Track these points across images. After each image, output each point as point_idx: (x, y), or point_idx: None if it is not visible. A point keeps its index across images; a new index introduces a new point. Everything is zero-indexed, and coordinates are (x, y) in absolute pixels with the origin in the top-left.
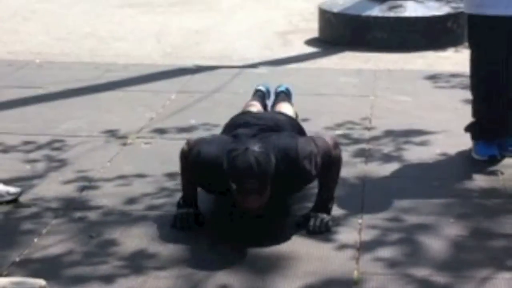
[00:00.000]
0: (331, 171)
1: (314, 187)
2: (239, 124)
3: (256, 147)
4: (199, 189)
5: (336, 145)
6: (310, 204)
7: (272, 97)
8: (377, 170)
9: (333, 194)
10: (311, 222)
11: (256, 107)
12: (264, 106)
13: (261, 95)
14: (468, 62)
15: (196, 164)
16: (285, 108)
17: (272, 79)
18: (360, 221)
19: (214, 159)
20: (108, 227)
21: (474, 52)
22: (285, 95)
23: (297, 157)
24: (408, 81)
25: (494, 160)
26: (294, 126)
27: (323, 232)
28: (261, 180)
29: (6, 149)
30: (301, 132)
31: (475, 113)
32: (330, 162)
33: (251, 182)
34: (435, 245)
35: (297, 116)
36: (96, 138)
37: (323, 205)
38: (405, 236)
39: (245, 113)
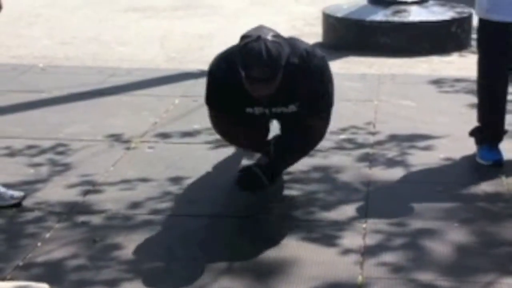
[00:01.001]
0: (309, 136)
1: (318, 191)
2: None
3: (269, 36)
4: (201, 190)
5: (329, 119)
6: (313, 208)
7: None
8: (381, 175)
9: (290, 165)
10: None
11: None
12: None
13: None
14: (472, 66)
15: (212, 71)
16: None
17: None
18: (364, 225)
19: (227, 53)
20: (111, 231)
21: (481, 56)
22: None
23: (313, 57)
24: (412, 85)
25: (499, 165)
26: None
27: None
28: (270, 67)
29: (10, 153)
30: None
31: (480, 117)
32: (318, 123)
33: (259, 70)
34: (439, 249)
35: None
36: (99, 142)
37: (276, 171)
38: (409, 241)
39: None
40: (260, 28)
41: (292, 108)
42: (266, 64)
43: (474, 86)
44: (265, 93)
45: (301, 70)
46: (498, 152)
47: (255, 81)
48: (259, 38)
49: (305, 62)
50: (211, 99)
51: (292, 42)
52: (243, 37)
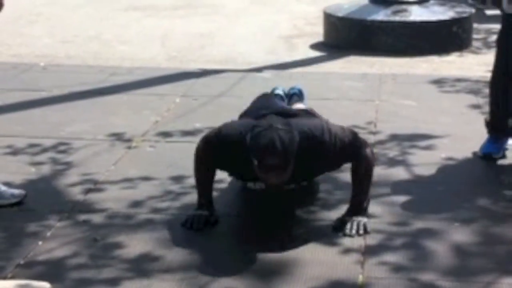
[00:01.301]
0: (361, 168)
1: (319, 190)
2: (259, 107)
3: (279, 125)
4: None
5: (366, 144)
6: (317, 209)
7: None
8: (382, 174)
9: (367, 194)
10: (348, 226)
11: None
12: None
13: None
14: (473, 66)
15: (218, 141)
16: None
17: (277, 83)
18: None
19: (236, 135)
20: (112, 230)
21: (496, 50)
22: (298, 97)
23: (322, 135)
24: (413, 85)
25: (489, 158)
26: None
27: (361, 235)
28: (283, 157)
29: (11, 152)
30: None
31: (490, 108)
32: (360, 158)
33: (272, 159)
34: (440, 249)
35: None
36: (101, 141)
37: (358, 207)
38: (410, 241)
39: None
40: (267, 103)
41: (304, 183)
42: (279, 153)
43: (475, 86)
44: (277, 181)
45: (313, 153)
46: (496, 147)
47: (269, 169)
48: (270, 126)
49: (315, 143)
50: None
51: (300, 123)
52: (252, 112)
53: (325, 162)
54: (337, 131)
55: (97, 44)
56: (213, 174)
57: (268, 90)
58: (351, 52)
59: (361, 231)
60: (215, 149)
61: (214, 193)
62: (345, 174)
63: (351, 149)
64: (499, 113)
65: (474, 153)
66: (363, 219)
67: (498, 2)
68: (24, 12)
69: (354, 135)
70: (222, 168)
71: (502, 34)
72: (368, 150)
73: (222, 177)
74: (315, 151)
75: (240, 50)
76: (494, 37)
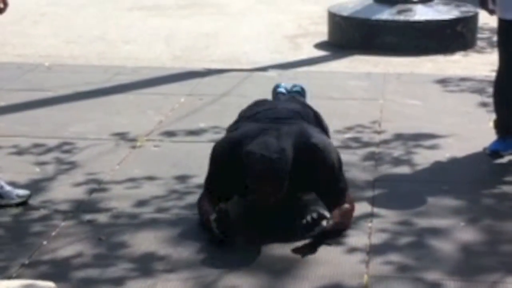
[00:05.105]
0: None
1: None
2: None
3: (274, 152)
4: None
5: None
6: (319, 207)
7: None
8: (387, 174)
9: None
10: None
11: None
12: None
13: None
14: (477, 66)
15: (220, 147)
16: None
17: (282, 83)
18: (370, 224)
19: (236, 144)
20: (117, 230)
21: (498, 52)
22: (300, 95)
23: (318, 145)
24: (418, 84)
25: (496, 156)
26: (309, 114)
27: (314, 230)
28: (276, 184)
29: (16, 152)
30: (317, 119)
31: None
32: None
33: (266, 186)
34: (445, 248)
35: None
36: (105, 141)
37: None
38: (415, 240)
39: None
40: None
41: (298, 195)
42: (271, 183)
43: (480, 85)
44: (271, 202)
45: (307, 166)
46: (504, 145)
47: (262, 193)
48: (263, 156)
49: (310, 158)
50: (212, 183)
51: (293, 136)
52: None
53: (321, 172)
54: (335, 163)
55: (101, 44)
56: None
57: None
58: (356, 52)
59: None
60: (218, 154)
61: None
62: (350, 173)
63: (337, 189)
64: (504, 113)
65: (484, 149)
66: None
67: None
68: (28, 12)
69: (344, 186)
70: (229, 184)
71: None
72: (350, 210)
73: None
74: (311, 162)
75: (244, 50)
76: None
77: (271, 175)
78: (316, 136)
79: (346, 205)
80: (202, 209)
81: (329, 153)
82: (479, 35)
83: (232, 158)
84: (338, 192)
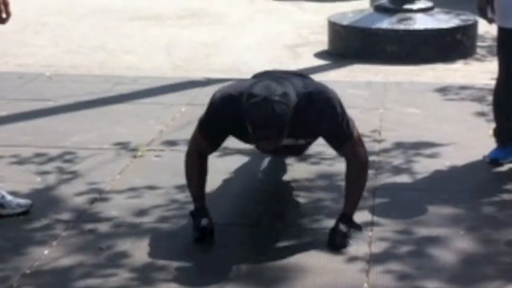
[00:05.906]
0: (354, 172)
1: (324, 199)
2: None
3: (276, 94)
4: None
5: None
6: (321, 217)
7: None
8: (387, 183)
9: (358, 200)
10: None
11: None
12: None
13: None
14: (477, 74)
15: (216, 101)
16: None
17: None
18: (370, 233)
19: (234, 94)
20: (118, 239)
21: (498, 61)
22: None
23: (320, 97)
24: (418, 93)
25: (495, 164)
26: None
27: (339, 249)
28: (277, 130)
29: (17, 161)
30: None
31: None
32: (356, 159)
33: (266, 131)
34: (445, 257)
35: None
36: (106, 150)
37: (347, 213)
38: (415, 249)
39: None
40: (268, 76)
41: (301, 141)
42: (272, 126)
43: (480, 94)
44: (270, 148)
45: (310, 113)
46: (503, 153)
47: (262, 139)
48: (265, 99)
49: (313, 105)
50: (205, 128)
51: (298, 84)
52: (252, 86)
53: (319, 126)
54: (339, 111)
55: (102, 54)
56: (206, 167)
57: None
58: (356, 61)
59: (338, 243)
60: (214, 109)
61: (216, 200)
62: None
63: (342, 134)
64: (504, 122)
65: (484, 157)
66: (345, 229)
67: (483, 12)
68: (29, 22)
69: (350, 132)
70: (224, 133)
71: (498, 45)
72: (364, 152)
73: (224, 182)
74: (311, 112)
75: (244, 59)
76: None
77: (272, 118)
78: (318, 83)
79: (354, 171)
80: (188, 168)
81: (332, 96)
82: (479, 44)
83: (233, 105)
84: (345, 134)
